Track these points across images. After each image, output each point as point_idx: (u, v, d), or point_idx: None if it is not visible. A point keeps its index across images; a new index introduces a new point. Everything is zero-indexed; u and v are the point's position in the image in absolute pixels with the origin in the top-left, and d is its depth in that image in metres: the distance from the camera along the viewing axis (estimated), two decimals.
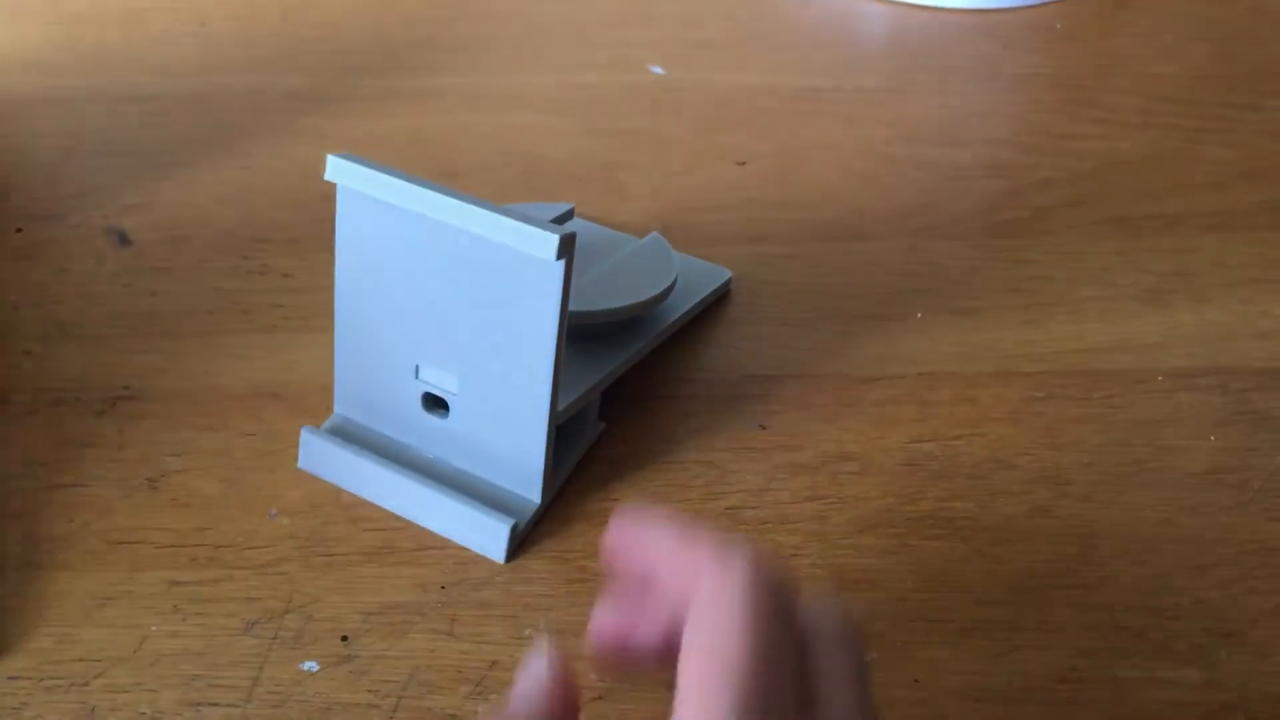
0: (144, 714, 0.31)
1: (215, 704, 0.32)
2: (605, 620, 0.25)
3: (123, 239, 0.46)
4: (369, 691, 0.32)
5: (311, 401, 0.39)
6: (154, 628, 0.33)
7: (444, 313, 0.34)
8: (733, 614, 0.23)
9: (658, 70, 0.55)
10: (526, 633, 0.33)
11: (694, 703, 0.22)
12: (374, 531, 0.36)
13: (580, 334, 0.37)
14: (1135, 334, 0.42)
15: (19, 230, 0.46)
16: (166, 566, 0.35)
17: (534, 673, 0.26)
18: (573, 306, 0.33)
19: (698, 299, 0.42)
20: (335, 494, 0.37)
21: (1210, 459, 0.38)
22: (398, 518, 0.36)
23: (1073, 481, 0.37)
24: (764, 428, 0.39)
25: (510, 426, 0.34)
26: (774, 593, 0.24)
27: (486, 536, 0.35)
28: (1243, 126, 0.51)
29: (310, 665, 0.32)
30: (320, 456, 0.37)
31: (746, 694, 0.22)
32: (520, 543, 0.35)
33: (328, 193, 0.34)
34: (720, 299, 0.43)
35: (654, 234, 0.42)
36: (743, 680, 0.22)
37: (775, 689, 0.23)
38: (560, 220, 0.42)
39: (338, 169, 0.33)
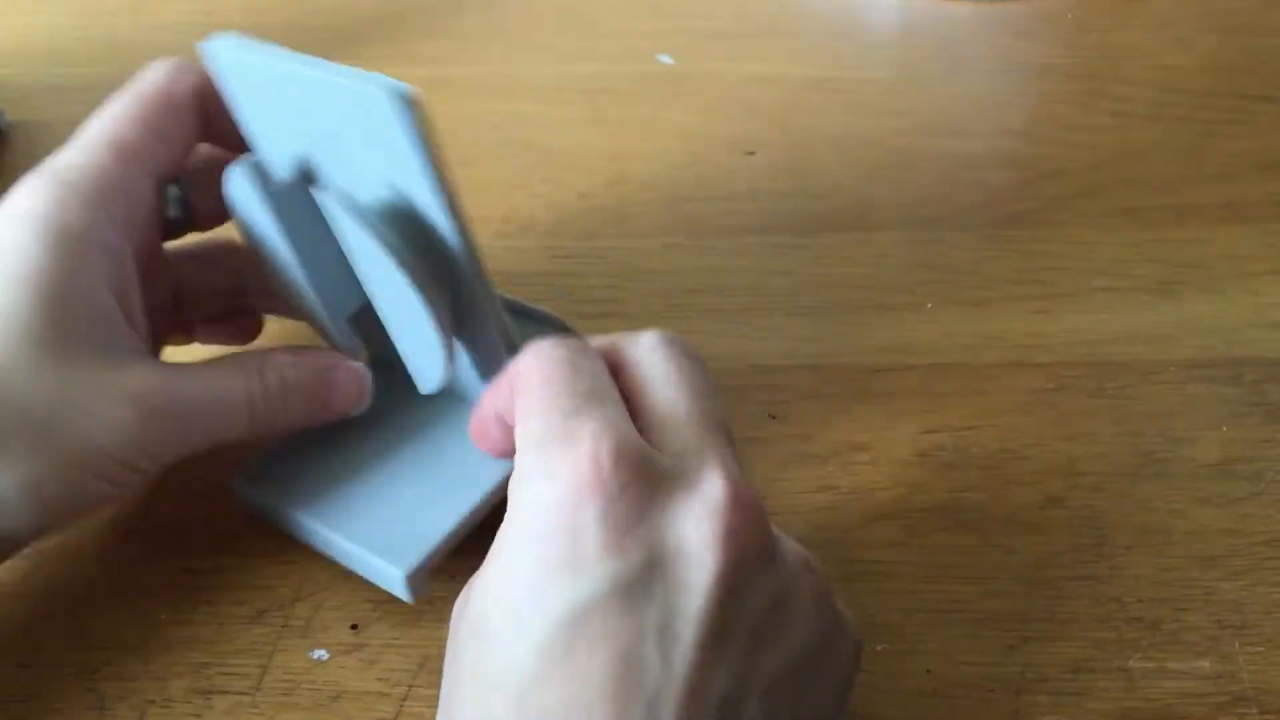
0: (153, 702, 0.31)
1: (225, 692, 0.32)
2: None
3: None
4: (379, 680, 0.32)
5: None
6: (163, 616, 0.33)
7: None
8: (527, 353, 0.28)
9: (666, 59, 0.55)
10: None
11: (516, 428, 0.27)
12: None
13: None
14: (1147, 325, 0.42)
15: None
16: (176, 555, 0.35)
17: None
18: None
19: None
20: None
21: (1223, 450, 0.37)
22: None
23: (1084, 472, 0.37)
24: (774, 418, 0.39)
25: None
26: (563, 341, 0.28)
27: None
28: (1255, 118, 0.51)
29: (320, 654, 0.32)
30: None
31: (544, 402, 0.26)
32: None
33: None
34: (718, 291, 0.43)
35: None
36: (538, 392, 0.26)
37: (569, 391, 0.26)
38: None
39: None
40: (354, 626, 0.33)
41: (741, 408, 0.39)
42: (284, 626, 0.33)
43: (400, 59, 0.56)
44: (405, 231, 0.29)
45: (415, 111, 0.27)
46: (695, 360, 0.29)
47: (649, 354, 0.29)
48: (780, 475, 0.37)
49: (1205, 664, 0.32)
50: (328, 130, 0.30)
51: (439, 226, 0.29)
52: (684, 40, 0.56)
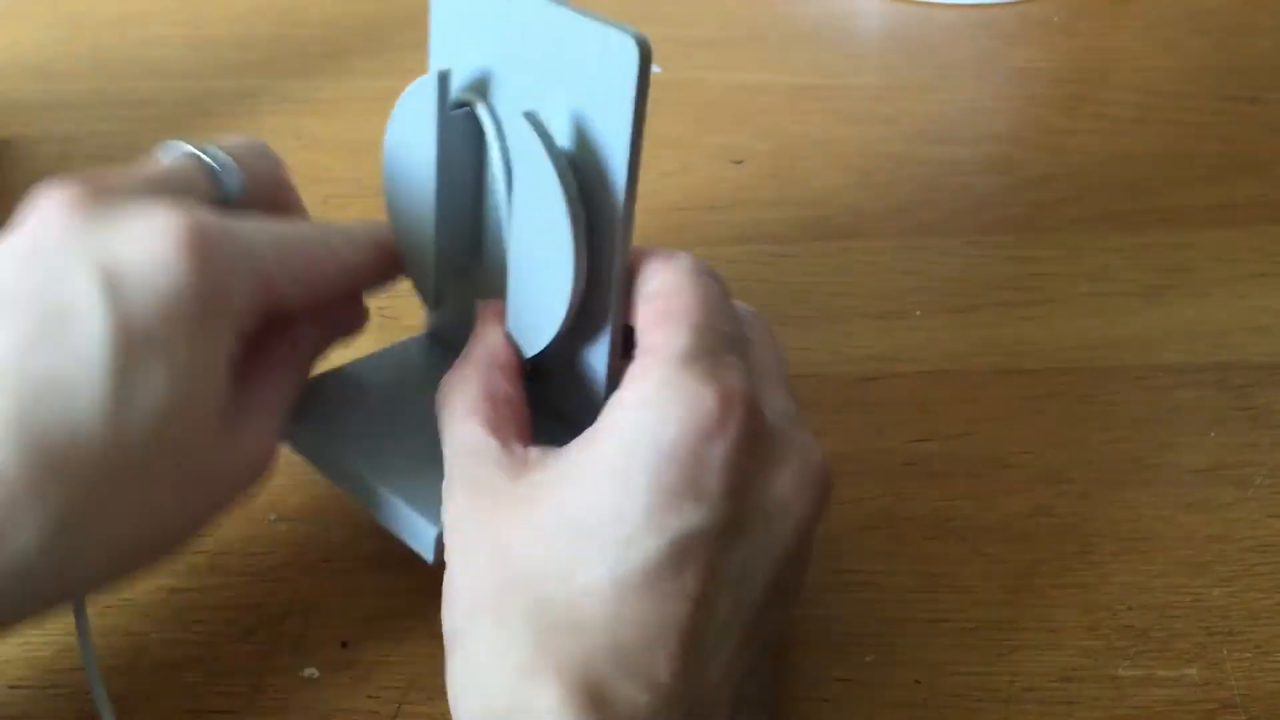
0: None
1: (215, 711, 0.32)
2: None
3: None
4: (369, 698, 0.32)
5: None
6: (153, 635, 0.33)
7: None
8: (680, 272, 0.28)
9: (654, 68, 0.55)
10: None
11: (655, 337, 0.27)
12: (374, 537, 0.36)
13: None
14: (1134, 330, 0.42)
15: None
16: (165, 574, 0.35)
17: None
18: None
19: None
20: (335, 499, 0.37)
21: (1210, 455, 0.37)
22: None
23: (1072, 480, 0.37)
24: None
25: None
26: (707, 267, 0.29)
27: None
28: (1241, 120, 0.51)
29: (311, 672, 0.32)
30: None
31: (698, 328, 0.27)
32: None
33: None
34: None
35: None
36: (695, 317, 0.27)
37: (720, 328, 0.27)
38: None
39: None
40: (344, 644, 0.33)
41: None
42: (274, 645, 0.33)
43: (388, 71, 0.56)
44: (576, 175, 0.29)
45: (647, 63, 0.26)
46: (778, 342, 0.31)
47: (754, 322, 0.31)
48: None
49: (1193, 671, 0.32)
50: (527, 60, 0.29)
51: (611, 183, 0.28)
52: (672, 49, 0.56)
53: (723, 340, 0.27)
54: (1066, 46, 0.56)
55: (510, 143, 0.30)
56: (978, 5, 0.58)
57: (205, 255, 0.27)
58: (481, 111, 0.30)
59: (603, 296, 0.30)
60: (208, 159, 0.31)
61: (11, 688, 0.32)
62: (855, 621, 0.33)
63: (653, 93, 0.57)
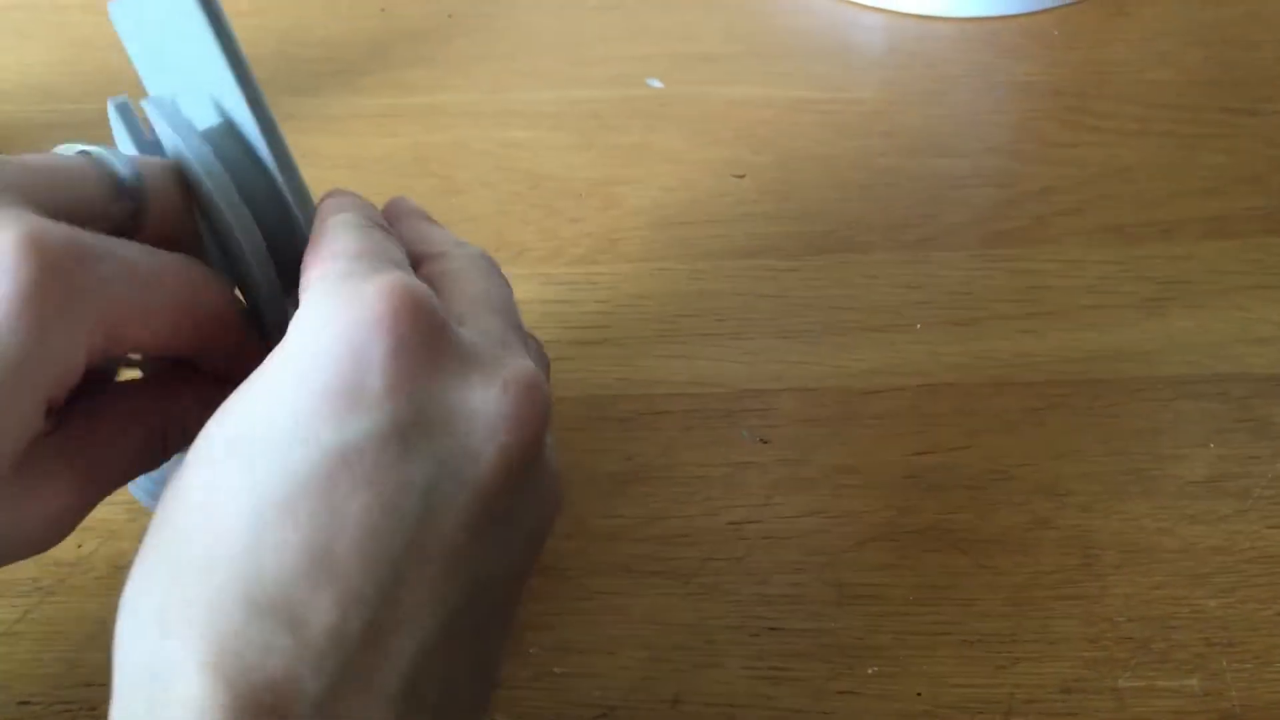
0: None
1: None
2: None
3: None
4: None
5: None
6: None
7: None
8: (330, 224, 0.26)
9: (655, 84, 0.56)
10: (531, 651, 0.34)
11: (309, 271, 0.25)
12: None
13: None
14: (1134, 342, 0.42)
15: None
16: None
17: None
18: None
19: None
20: None
21: (1210, 467, 0.38)
22: None
23: (1073, 492, 0.37)
24: (765, 442, 0.39)
25: None
26: (369, 220, 0.27)
27: None
28: (1239, 132, 0.51)
29: None
30: None
31: (352, 253, 0.25)
32: None
33: None
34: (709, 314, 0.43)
35: None
36: (346, 249, 0.25)
37: (381, 256, 0.25)
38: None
39: None
40: None
41: (733, 432, 0.39)
42: None
43: (391, 87, 0.56)
44: (229, 158, 0.27)
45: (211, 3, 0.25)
46: (508, 285, 0.29)
47: (470, 257, 0.28)
48: (771, 499, 0.37)
49: (1193, 682, 0.32)
50: (170, 62, 0.28)
51: (253, 141, 0.27)
52: (672, 64, 0.57)
53: (388, 260, 0.25)
54: (1066, 60, 0.56)
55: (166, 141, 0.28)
56: (977, 19, 0.59)
57: (43, 292, 0.22)
58: (156, 122, 0.28)
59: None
60: (112, 165, 0.26)
61: (20, 704, 0.33)
62: (857, 634, 0.34)
63: (654, 108, 0.58)
